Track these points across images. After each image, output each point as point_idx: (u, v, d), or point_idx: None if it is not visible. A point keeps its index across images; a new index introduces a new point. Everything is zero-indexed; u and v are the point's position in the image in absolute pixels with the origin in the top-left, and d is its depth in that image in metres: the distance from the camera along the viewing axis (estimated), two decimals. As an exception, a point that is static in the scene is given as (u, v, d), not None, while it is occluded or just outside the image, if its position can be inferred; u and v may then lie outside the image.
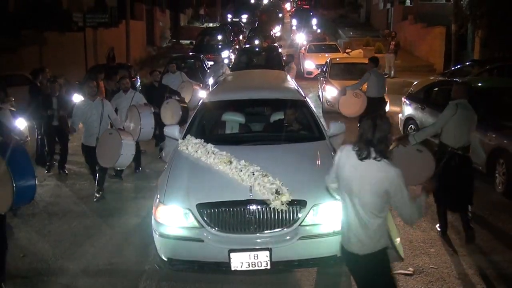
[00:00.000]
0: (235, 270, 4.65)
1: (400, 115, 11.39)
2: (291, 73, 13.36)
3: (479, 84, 9.64)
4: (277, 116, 7.04)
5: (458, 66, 16.45)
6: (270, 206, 4.62)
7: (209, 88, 12.81)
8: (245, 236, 4.69)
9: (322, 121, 7.14)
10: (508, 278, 5.17)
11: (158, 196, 4.99)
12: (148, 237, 5.41)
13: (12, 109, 8.19)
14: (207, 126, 7.15)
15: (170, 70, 12.47)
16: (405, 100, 11.22)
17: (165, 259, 4.90)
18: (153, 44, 30.94)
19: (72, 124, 7.90)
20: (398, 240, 3.87)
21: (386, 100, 13.27)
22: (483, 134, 7.82)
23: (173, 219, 4.78)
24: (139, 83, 14.58)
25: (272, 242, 4.64)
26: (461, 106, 5.89)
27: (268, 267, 4.62)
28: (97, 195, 7.63)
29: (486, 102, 8.47)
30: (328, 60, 16.32)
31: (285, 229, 4.68)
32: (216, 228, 4.68)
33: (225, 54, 23.05)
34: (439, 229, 6.15)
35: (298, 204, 4.69)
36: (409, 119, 10.69)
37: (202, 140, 5.74)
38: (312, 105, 7.22)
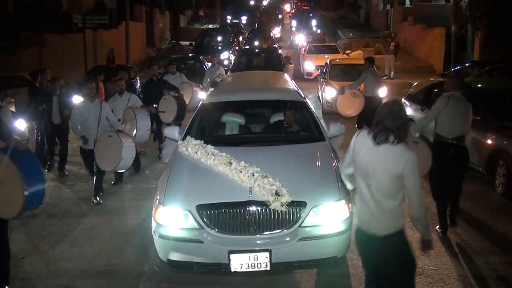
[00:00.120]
0: (235, 271, 4.65)
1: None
2: (288, 74, 13.38)
3: (479, 85, 9.65)
4: (277, 117, 7.03)
5: (458, 67, 16.46)
6: (270, 207, 4.61)
7: (207, 90, 12.89)
8: (245, 237, 4.69)
9: (322, 122, 7.15)
10: (508, 280, 5.17)
11: (158, 197, 4.98)
12: (147, 238, 5.41)
13: (12, 110, 8.19)
14: (207, 127, 7.15)
15: (170, 71, 12.48)
16: (404, 101, 11.20)
17: (165, 260, 4.89)
18: (152, 45, 30.93)
19: (72, 127, 7.84)
20: None
21: (386, 100, 13.25)
22: (483, 135, 7.82)
23: (172, 220, 4.77)
24: (138, 85, 14.56)
25: (272, 243, 4.63)
26: (453, 98, 6.02)
27: (268, 268, 4.62)
28: (95, 200, 7.51)
29: (486, 103, 8.48)
30: (327, 61, 16.32)
31: (285, 230, 4.67)
32: (216, 229, 4.67)
33: (224, 55, 23.11)
34: (439, 230, 6.15)
35: (298, 205, 4.69)
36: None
37: (202, 141, 5.74)
38: (311, 106, 7.22)
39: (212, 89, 13.52)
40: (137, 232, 6.46)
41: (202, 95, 11.16)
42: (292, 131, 6.59)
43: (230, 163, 5.15)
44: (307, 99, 7.25)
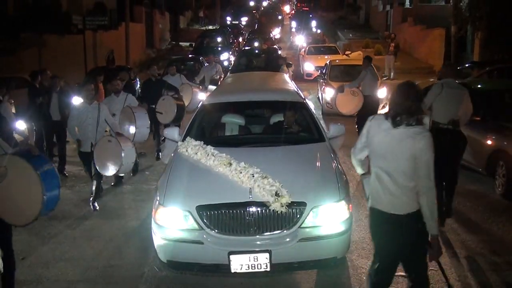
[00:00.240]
0: (235, 272, 4.65)
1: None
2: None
3: (479, 86, 9.65)
4: (276, 118, 7.03)
5: (458, 68, 16.45)
6: (270, 208, 4.61)
7: (199, 85, 12.93)
8: (245, 238, 4.68)
9: (321, 123, 7.14)
10: (509, 280, 5.16)
11: (158, 198, 4.98)
12: (147, 239, 5.41)
13: (12, 111, 8.18)
14: (206, 128, 7.15)
15: (170, 72, 12.46)
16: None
17: (165, 261, 4.90)
18: (152, 46, 30.95)
19: (69, 128, 7.71)
20: None
21: (386, 101, 13.31)
22: (483, 135, 7.83)
23: (172, 221, 4.77)
24: (138, 85, 14.56)
25: (272, 244, 4.63)
26: (446, 85, 6.32)
27: (268, 269, 4.61)
28: (94, 205, 7.39)
29: (486, 103, 8.48)
30: (327, 62, 16.34)
31: (285, 231, 4.67)
32: (216, 230, 4.67)
33: (224, 56, 23.13)
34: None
35: (298, 206, 4.69)
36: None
37: (202, 142, 5.73)
38: (311, 106, 7.22)
39: (211, 86, 13.62)
40: (137, 233, 6.46)
41: (202, 96, 11.17)
42: (292, 132, 6.59)
43: (230, 164, 5.14)
44: (306, 100, 7.25)
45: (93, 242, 6.29)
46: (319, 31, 33.67)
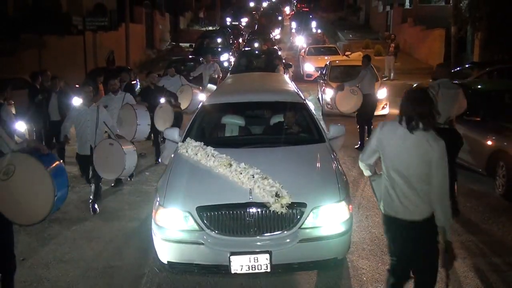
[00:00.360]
0: (235, 273, 4.64)
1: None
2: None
3: (479, 86, 9.65)
4: (276, 119, 7.03)
5: (458, 69, 16.46)
6: (270, 209, 4.61)
7: (196, 82, 12.94)
8: (245, 239, 4.68)
9: (322, 123, 7.14)
10: (509, 281, 5.16)
11: (158, 199, 4.98)
12: (148, 240, 5.40)
13: (12, 112, 8.16)
14: (206, 129, 7.15)
15: (169, 74, 12.40)
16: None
17: (165, 262, 4.89)
18: (152, 47, 30.97)
19: (63, 129, 7.57)
20: None
21: (386, 101, 13.36)
22: (483, 136, 7.82)
23: (173, 222, 4.77)
24: (138, 86, 14.57)
25: (272, 245, 4.63)
26: (442, 85, 6.46)
27: (268, 270, 4.61)
28: (93, 208, 7.34)
29: (486, 104, 8.48)
30: (327, 63, 16.34)
31: (285, 232, 4.67)
32: (216, 231, 4.67)
33: (224, 57, 23.16)
34: None
35: (298, 206, 4.69)
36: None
37: (202, 143, 5.73)
38: (311, 107, 7.22)
39: (210, 85, 13.64)
40: (137, 234, 6.45)
41: (202, 97, 11.16)
42: (292, 132, 6.59)
43: (230, 165, 5.14)
44: (306, 100, 7.25)
45: (93, 243, 6.29)
46: (319, 31, 33.68)
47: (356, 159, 9.59)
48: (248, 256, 4.58)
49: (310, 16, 40.29)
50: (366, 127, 10.56)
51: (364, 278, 5.21)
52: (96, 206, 7.35)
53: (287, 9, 57.45)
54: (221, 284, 5.16)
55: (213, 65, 15.11)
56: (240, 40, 31.25)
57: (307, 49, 23.81)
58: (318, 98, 15.84)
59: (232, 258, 4.57)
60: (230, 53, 24.16)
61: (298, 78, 20.91)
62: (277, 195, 4.61)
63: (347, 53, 22.76)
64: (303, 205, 4.70)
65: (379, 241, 6.04)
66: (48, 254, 6.01)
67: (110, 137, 7.35)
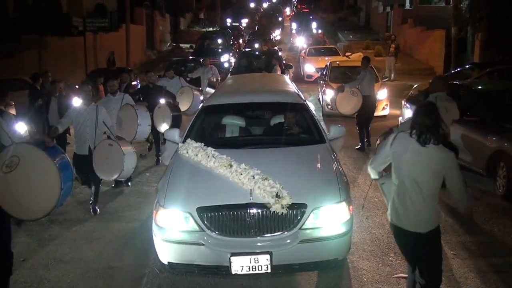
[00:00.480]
0: (236, 274, 4.64)
1: (400, 118, 11.40)
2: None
3: (479, 87, 9.65)
4: (277, 120, 7.04)
5: (458, 69, 16.45)
6: (270, 209, 4.61)
7: (189, 80, 12.91)
8: (245, 239, 4.68)
9: (322, 124, 7.14)
10: (509, 282, 5.16)
11: (158, 200, 4.98)
12: (148, 241, 5.40)
13: (12, 112, 8.15)
14: (207, 129, 7.15)
15: (168, 76, 12.32)
16: (405, 103, 11.22)
17: (165, 263, 4.89)
18: (153, 48, 30.98)
19: (58, 123, 7.36)
20: None
21: (387, 102, 13.36)
22: (483, 137, 7.82)
23: (173, 223, 4.77)
24: (139, 87, 14.55)
25: (272, 245, 4.63)
26: (439, 98, 6.59)
27: (269, 270, 4.61)
28: (94, 209, 7.31)
29: (486, 104, 8.48)
30: (328, 64, 16.34)
31: (286, 232, 4.67)
32: (217, 232, 4.67)
33: (225, 57, 23.16)
34: None
35: (298, 207, 4.68)
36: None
37: (202, 144, 5.73)
38: (312, 108, 7.22)
39: (209, 88, 13.62)
40: (138, 234, 6.45)
41: (202, 99, 11.15)
42: (292, 133, 6.59)
43: (231, 166, 5.14)
44: (307, 101, 7.25)
45: (93, 244, 6.29)
46: (319, 31, 33.68)
47: (356, 160, 9.67)
48: (248, 256, 4.58)
49: (311, 17, 40.28)
50: (366, 128, 10.56)
51: (365, 279, 5.21)
52: (96, 207, 7.34)
53: (287, 10, 57.50)
54: (221, 285, 5.16)
55: (211, 69, 15.03)
56: (241, 41, 31.27)
57: (307, 49, 23.81)
58: (319, 99, 15.84)
59: (233, 258, 4.57)
60: (231, 54, 24.17)
61: (299, 79, 20.90)
62: (277, 195, 4.61)
63: (347, 53, 22.75)
64: (304, 205, 4.70)
65: (379, 242, 6.04)
66: (48, 254, 6.01)
67: (110, 138, 7.30)
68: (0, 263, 4.45)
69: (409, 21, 27.58)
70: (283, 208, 4.58)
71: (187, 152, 5.68)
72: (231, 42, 27.26)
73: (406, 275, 5.14)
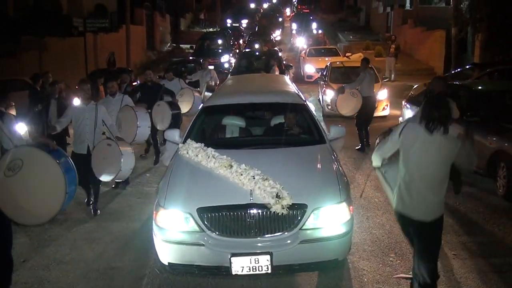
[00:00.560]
0: (236, 274, 4.64)
1: (400, 118, 11.40)
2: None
3: (480, 87, 9.65)
4: (277, 120, 7.04)
5: (459, 70, 16.46)
6: (270, 210, 4.61)
7: (188, 82, 12.88)
8: (245, 240, 4.68)
9: (322, 124, 7.14)
10: (510, 282, 5.15)
11: (159, 200, 4.98)
12: (148, 241, 5.41)
13: (12, 113, 8.14)
14: (207, 130, 7.15)
15: (167, 78, 12.29)
16: (405, 103, 11.22)
17: (166, 264, 4.89)
18: (153, 48, 30.98)
19: (56, 123, 7.31)
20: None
21: (387, 102, 13.36)
22: (483, 137, 7.82)
23: (173, 223, 4.77)
24: (137, 85, 14.55)
25: (272, 246, 4.63)
26: None
27: (269, 271, 4.61)
28: (95, 210, 7.28)
29: (486, 105, 8.48)
30: (328, 64, 16.35)
31: (286, 233, 4.66)
32: (217, 232, 4.67)
33: (225, 58, 23.15)
34: None
35: (298, 208, 4.69)
36: (409, 123, 10.69)
37: (203, 144, 5.73)
38: (312, 108, 7.22)
39: (207, 92, 13.59)
40: (138, 235, 6.45)
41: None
42: (292, 133, 6.59)
43: (231, 166, 5.14)
44: (307, 102, 7.25)
45: (93, 244, 6.28)
46: (320, 31, 33.68)
47: (356, 160, 9.67)
48: (249, 257, 4.58)
49: (311, 17, 40.24)
50: (365, 128, 10.57)
51: (365, 279, 5.20)
52: (97, 207, 7.33)
53: (287, 11, 57.48)
54: (221, 285, 5.16)
55: (209, 72, 14.91)
56: (241, 41, 31.26)
57: (307, 50, 23.80)
58: (319, 99, 15.85)
59: (233, 259, 4.57)
60: (231, 55, 24.16)
61: (299, 79, 20.91)
62: (277, 196, 4.61)
63: (347, 54, 22.73)
64: (304, 206, 4.70)
65: (380, 242, 6.04)
66: (48, 255, 6.00)
67: (109, 138, 7.25)
68: (0, 270, 4.35)
69: (409, 22, 27.57)
70: (284, 208, 4.58)
71: (187, 153, 5.68)
72: (231, 43, 27.25)
73: (406, 276, 5.16)
